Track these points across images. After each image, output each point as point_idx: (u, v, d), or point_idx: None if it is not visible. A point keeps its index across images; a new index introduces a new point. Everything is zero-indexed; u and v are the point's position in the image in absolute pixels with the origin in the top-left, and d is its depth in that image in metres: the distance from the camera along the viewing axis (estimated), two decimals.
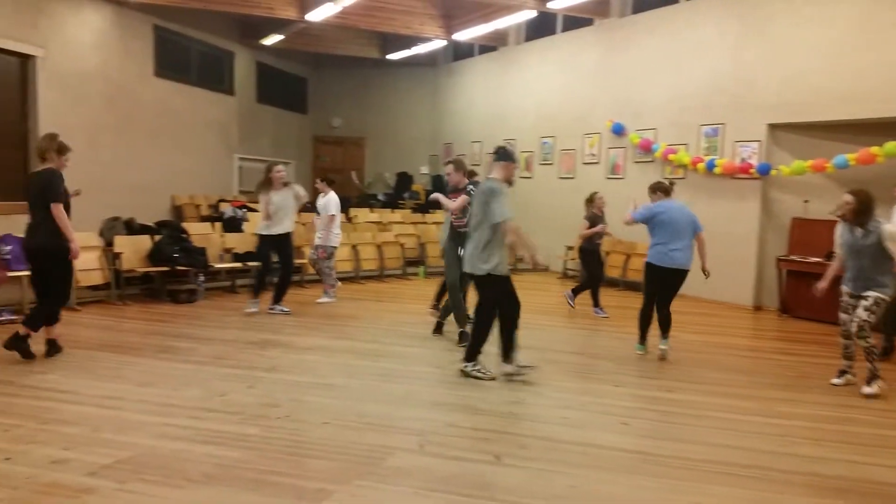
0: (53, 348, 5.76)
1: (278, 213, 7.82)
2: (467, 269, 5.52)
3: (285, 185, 7.96)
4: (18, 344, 5.52)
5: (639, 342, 6.74)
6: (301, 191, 8.14)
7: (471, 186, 6.47)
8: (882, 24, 8.38)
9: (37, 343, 5.67)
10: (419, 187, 16.58)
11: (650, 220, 6.50)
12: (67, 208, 5.55)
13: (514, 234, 5.39)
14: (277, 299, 8.12)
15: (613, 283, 11.54)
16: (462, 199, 6.49)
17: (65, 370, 5.31)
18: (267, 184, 7.84)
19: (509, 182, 5.51)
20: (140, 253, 8.52)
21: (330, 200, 8.85)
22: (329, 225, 8.81)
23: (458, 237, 6.55)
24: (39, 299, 5.68)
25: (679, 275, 6.43)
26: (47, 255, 5.49)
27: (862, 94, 8.53)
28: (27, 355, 5.55)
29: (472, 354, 5.56)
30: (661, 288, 6.51)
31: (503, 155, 5.56)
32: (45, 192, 5.40)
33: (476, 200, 5.52)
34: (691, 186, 10.66)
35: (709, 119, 10.48)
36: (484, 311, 5.47)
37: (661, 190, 6.71)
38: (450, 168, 6.80)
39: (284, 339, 6.72)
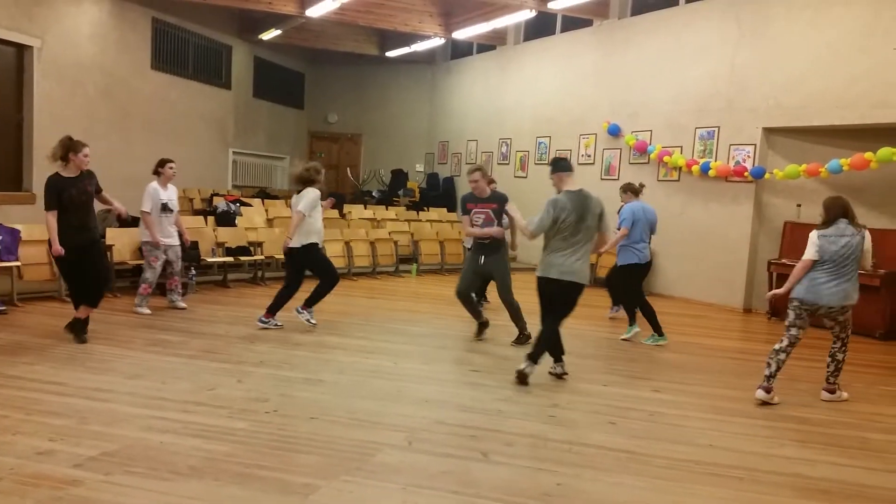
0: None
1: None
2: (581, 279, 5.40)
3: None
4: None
5: (658, 335, 7.10)
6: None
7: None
8: (877, 30, 8.39)
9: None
10: (414, 185, 16.58)
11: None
12: (80, 205, 5.72)
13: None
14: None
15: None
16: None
17: (53, 361, 5.29)
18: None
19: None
20: (132, 245, 8.48)
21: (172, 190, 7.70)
22: None
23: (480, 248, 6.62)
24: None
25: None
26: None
27: (856, 99, 8.55)
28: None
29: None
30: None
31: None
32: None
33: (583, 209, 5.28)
34: (685, 189, 10.69)
35: (704, 122, 10.50)
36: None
37: (631, 190, 7.41)
38: (477, 175, 6.51)
39: (273, 334, 6.70)
